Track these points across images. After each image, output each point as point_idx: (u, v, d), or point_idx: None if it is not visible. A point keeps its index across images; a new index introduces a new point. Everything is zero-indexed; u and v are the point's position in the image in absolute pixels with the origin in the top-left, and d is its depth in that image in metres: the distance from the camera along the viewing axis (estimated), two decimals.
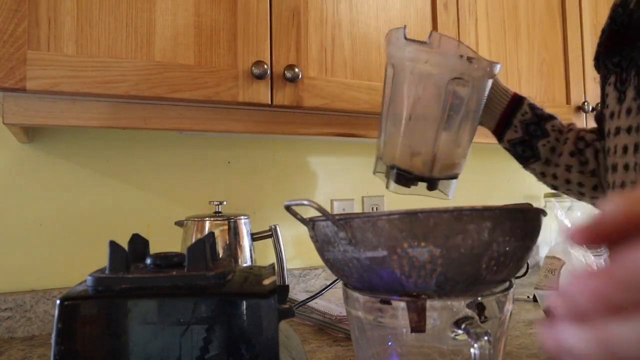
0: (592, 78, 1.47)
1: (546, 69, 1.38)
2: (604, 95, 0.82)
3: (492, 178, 1.75)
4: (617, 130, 0.76)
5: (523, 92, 1.32)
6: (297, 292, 1.25)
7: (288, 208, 0.64)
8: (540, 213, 0.67)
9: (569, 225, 1.14)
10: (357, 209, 1.45)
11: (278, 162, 1.36)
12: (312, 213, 0.66)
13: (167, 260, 0.58)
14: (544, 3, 1.40)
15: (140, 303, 0.50)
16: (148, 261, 0.59)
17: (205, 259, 0.56)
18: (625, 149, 0.75)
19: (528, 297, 1.29)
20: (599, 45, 0.85)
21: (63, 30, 0.82)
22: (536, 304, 1.24)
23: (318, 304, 1.05)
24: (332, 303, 1.06)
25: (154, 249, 1.15)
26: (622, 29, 0.78)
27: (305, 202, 0.59)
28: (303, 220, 0.66)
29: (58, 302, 0.50)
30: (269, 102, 0.96)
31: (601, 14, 1.54)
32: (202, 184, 1.25)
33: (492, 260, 0.62)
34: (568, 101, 1.41)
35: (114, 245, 0.55)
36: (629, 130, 0.74)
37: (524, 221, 0.64)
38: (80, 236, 1.13)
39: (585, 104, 1.42)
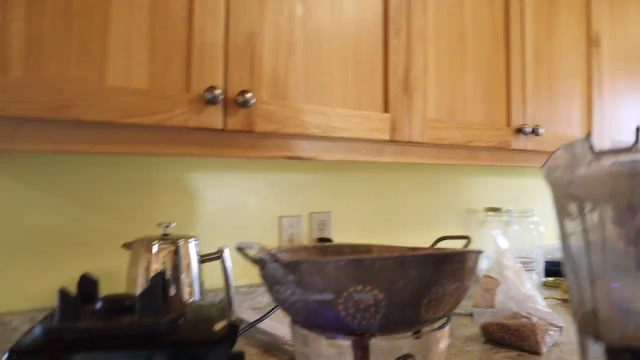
0: (532, 101, 1.55)
1: (490, 92, 1.44)
2: None
3: (434, 193, 1.81)
4: None
5: (468, 116, 1.38)
6: (244, 310, 1.27)
7: (239, 249, 0.65)
8: (477, 255, 0.72)
9: (504, 246, 1.20)
10: (305, 225, 1.47)
11: (227, 181, 1.37)
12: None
13: (118, 304, 0.59)
14: (489, 30, 1.46)
15: (93, 356, 0.51)
16: (99, 305, 0.59)
17: (156, 304, 0.58)
18: None
19: (466, 310, 1.36)
20: None
21: (11, 53, 0.80)
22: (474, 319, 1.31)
23: (265, 323, 1.08)
24: (279, 322, 1.09)
25: (102, 271, 1.14)
26: None
27: (256, 247, 0.61)
28: (253, 261, 0.68)
29: (6, 355, 0.50)
30: (221, 128, 0.97)
31: (542, 39, 1.61)
32: (151, 204, 1.25)
33: (432, 302, 0.66)
34: (508, 123, 1.48)
35: (63, 294, 0.55)
36: None
37: (462, 263, 0.68)
38: (25, 258, 1.10)
39: (525, 126, 1.49)
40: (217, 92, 0.94)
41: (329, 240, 1.48)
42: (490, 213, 1.76)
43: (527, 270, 1.43)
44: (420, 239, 1.76)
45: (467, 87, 1.39)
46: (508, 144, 1.46)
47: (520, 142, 1.50)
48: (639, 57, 2.08)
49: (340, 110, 1.13)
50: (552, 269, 1.84)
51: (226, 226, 1.35)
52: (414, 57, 1.27)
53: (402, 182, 1.72)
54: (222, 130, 0.98)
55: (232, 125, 0.98)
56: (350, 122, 1.14)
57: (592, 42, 1.83)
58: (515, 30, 1.52)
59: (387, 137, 1.19)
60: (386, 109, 1.21)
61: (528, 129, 1.49)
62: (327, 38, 1.13)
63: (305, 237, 1.48)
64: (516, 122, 1.49)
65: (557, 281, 1.73)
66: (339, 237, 1.54)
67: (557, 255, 2.18)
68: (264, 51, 1.04)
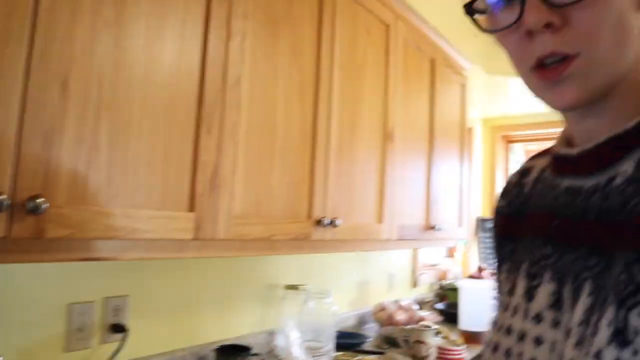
0: (333, 194, 1.68)
1: (295, 187, 1.54)
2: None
3: (236, 271, 1.85)
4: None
5: (273, 210, 1.45)
6: None
7: None
8: None
9: (297, 341, 1.28)
10: (98, 311, 1.40)
11: (8, 265, 1.24)
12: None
13: None
14: (298, 127, 1.56)
15: None
16: None
17: None
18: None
19: None
20: None
21: None
22: None
23: None
24: None
25: None
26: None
27: None
28: None
29: None
30: (5, 236, 0.89)
31: (346, 135, 1.77)
32: None
33: None
34: (310, 216, 1.58)
35: None
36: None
37: None
38: None
39: (324, 218, 1.61)
40: (2, 197, 0.87)
41: (122, 327, 1.42)
42: (289, 290, 1.84)
43: (317, 356, 1.53)
44: (221, 319, 1.77)
45: (273, 183, 1.46)
46: (308, 235, 1.57)
47: (319, 233, 1.61)
48: (425, 146, 2.39)
49: (144, 212, 1.11)
50: (343, 342, 1.99)
51: (5, 320, 1.22)
52: (224, 155, 1.30)
53: (204, 262, 1.73)
54: (6, 238, 0.90)
55: (19, 232, 0.91)
56: (154, 223, 1.12)
57: (387, 136, 2.06)
58: (322, 127, 1.65)
59: (190, 237, 1.20)
60: (192, 208, 1.21)
61: (327, 221, 1.62)
62: (135, 137, 1.11)
63: (97, 325, 1.40)
64: (317, 214, 1.60)
65: (346, 356, 1.86)
66: (136, 322, 1.48)
67: (348, 324, 2.36)
68: (63, 151, 0.98)
